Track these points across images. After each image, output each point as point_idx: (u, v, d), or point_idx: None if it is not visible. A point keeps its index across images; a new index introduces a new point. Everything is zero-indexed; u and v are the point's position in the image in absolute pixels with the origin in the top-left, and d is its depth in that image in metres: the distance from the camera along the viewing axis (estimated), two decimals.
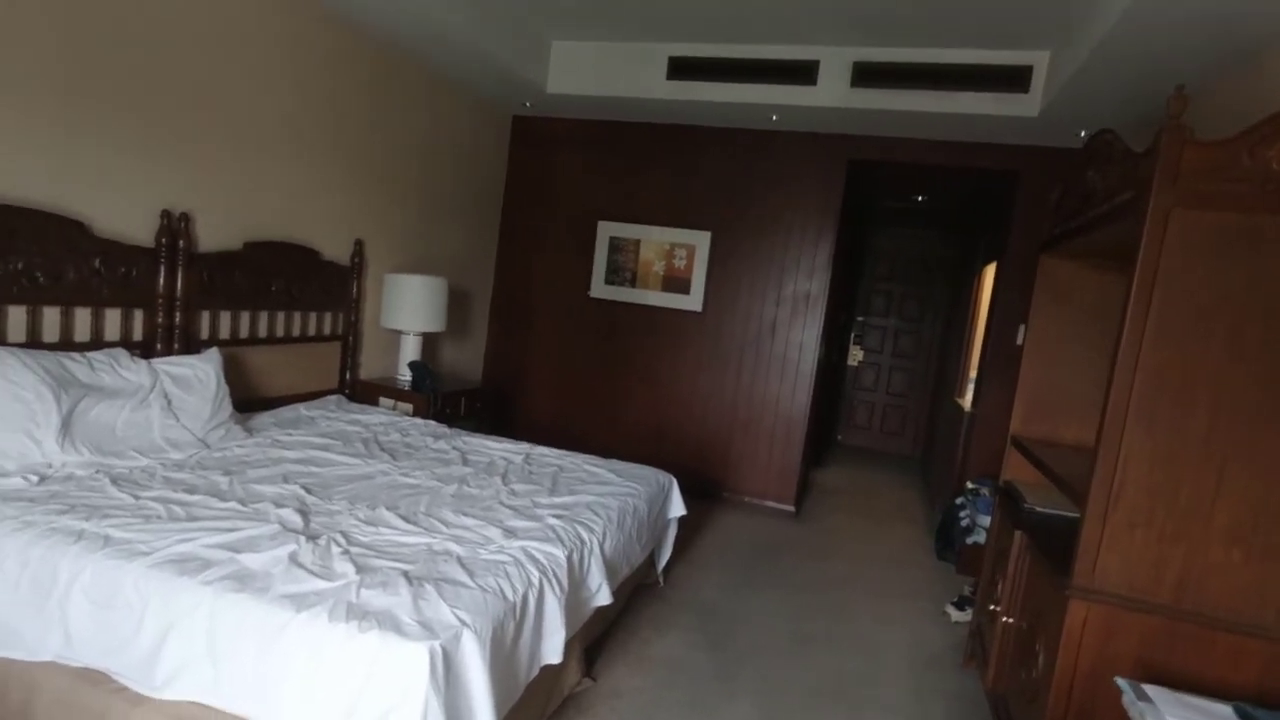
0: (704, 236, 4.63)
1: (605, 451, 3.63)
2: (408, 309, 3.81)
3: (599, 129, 4.85)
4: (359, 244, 3.74)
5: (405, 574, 1.76)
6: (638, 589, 3.22)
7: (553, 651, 1.97)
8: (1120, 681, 1.58)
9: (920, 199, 5.57)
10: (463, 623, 1.60)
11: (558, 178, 4.99)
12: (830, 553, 4.11)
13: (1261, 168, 1.61)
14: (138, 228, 2.66)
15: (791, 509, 4.64)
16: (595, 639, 2.70)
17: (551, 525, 2.26)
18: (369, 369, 3.99)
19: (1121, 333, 1.74)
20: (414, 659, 1.47)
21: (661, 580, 3.33)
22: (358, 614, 1.56)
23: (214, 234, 2.96)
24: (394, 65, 3.86)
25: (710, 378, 4.74)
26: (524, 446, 3.21)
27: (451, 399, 3.93)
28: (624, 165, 4.83)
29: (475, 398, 4.22)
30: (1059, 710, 1.84)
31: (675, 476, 3.25)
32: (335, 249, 3.63)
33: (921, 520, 4.99)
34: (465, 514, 2.26)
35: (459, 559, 1.90)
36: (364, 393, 3.81)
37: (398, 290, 3.81)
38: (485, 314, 5.20)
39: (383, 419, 3.32)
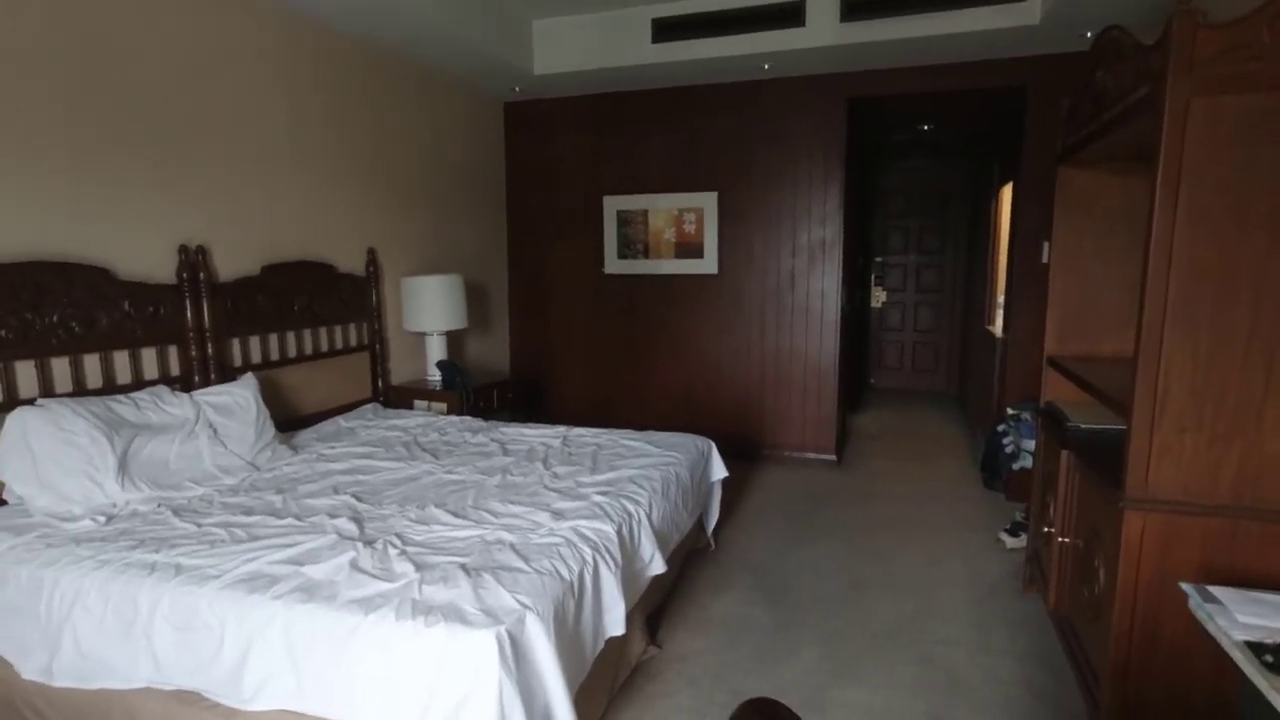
0: (711, 197, 4.58)
1: (640, 425, 3.66)
2: (428, 310, 3.85)
3: (592, 104, 4.80)
4: (372, 252, 3.77)
5: (463, 566, 1.81)
6: (690, 554, 3.26)
7: (615, 624, 2.02)
8: (1185, 586, 1.57)
9: (926, 128, 5.43)
10: (524, 606, 1.64)
11: (557, 159, 4.96)
12: (876, 496, 4.11)
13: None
14: (158, 266, 2.72)
15: (833, 458, 4.63)
16: (655, 607, 2.75)
17: (598, 502, 2.30)
18: (399, 374, 4.05)
19: (1150, 234, 1.69)
20: (482, 646, 1.52)
21: (713, 543, 3.36)
22: (423, 610, 1.61)
23: (232, 262, 3.02)
24: (383, 67, 3.85)
25: (735, 338, 4.73)
26: (560, 430, 3.25)
27: (483, 393, 3.98)
28: (621, 137, 4.78)
29: (506, 389, 4.26)
30: (1124, 624, 1.83)
31: (712, 440, 3.26)
32: (349, 261, 3.67)
33: (965, 453, 4.96)
34: (512, 502, 2.31)
35: (512, 546, 1.94)
36: (398, 398, 3.88)
37: (415, 293, 3.85)
38: (505, 305, 5.23)
39: (420, 421, 3.38)
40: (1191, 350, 1.70)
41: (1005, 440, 3.83)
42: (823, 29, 3.72)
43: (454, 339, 4.36)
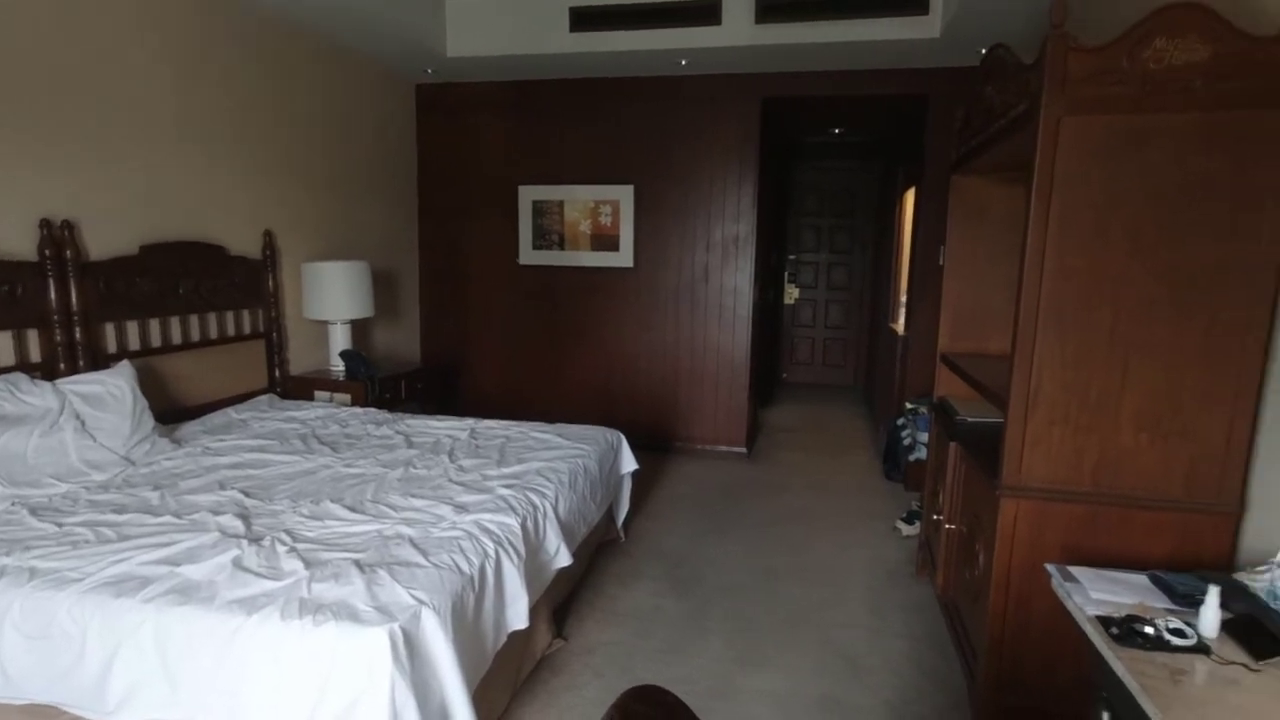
0: (627, 190, 4.59)
1: (555, 417, 3.63)
2: (330, 297, 3.68)
3: (508, 90, 4.70)
4: (269, 235, 3.56)
5: (356, 563, 1.74)
6: (600, 547, 3.27)
7: (518, 617, 2.00)
8: (1049, 567, 1.69)
9: (837, 131, 5.62)
10: (420, 602, 1.60)
11: (471, 145, 4.84)
12: (785, 488, 4.24)
13: (1140, 70, 1.67)
14: (16, 241, 2.47)
15: (744, 450, 4.74)
16: (563, 600, 2.74)
17: (503, 495, 2.26)
18: (300, 363, 3.85)
19: (1026, 242, 1.81)
20: (374, 644, 1.47)
21: (623, 535, 3.38)
22: (311, 608, 1.54)
23: (105, 240, 2.78)
24: (283, 40, 3.63)
25: (650, 332, 4.76)
26: (469, 422, 3.18)
27: (390, 384, 3.85)
28: (538, 126, 4.71)
29: (416, 379, 4.13)
30: (1000, 603, 1.96)
31: (626, 433, 3.27)
32: (244, 243, 3.45)
33: (870, 446, 5.18)
34: (414, 496, 2.24)
35: (411, 540, 1.89)
36: (297, 388, 3.69)
37: (317, 279, 3.67)
38: (416, 294, 5.07)
39: (320, 412, 3.23)
40: (1060, 349, 1.83)
41: (904, 433, 4.03)
42: (738, 29, 3.78)
43: (360, 328, 4.19)
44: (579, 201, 4.69)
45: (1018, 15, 3.23)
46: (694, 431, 4.78)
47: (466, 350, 5.09)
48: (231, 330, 3.37)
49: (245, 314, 3.46)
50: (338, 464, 2.54)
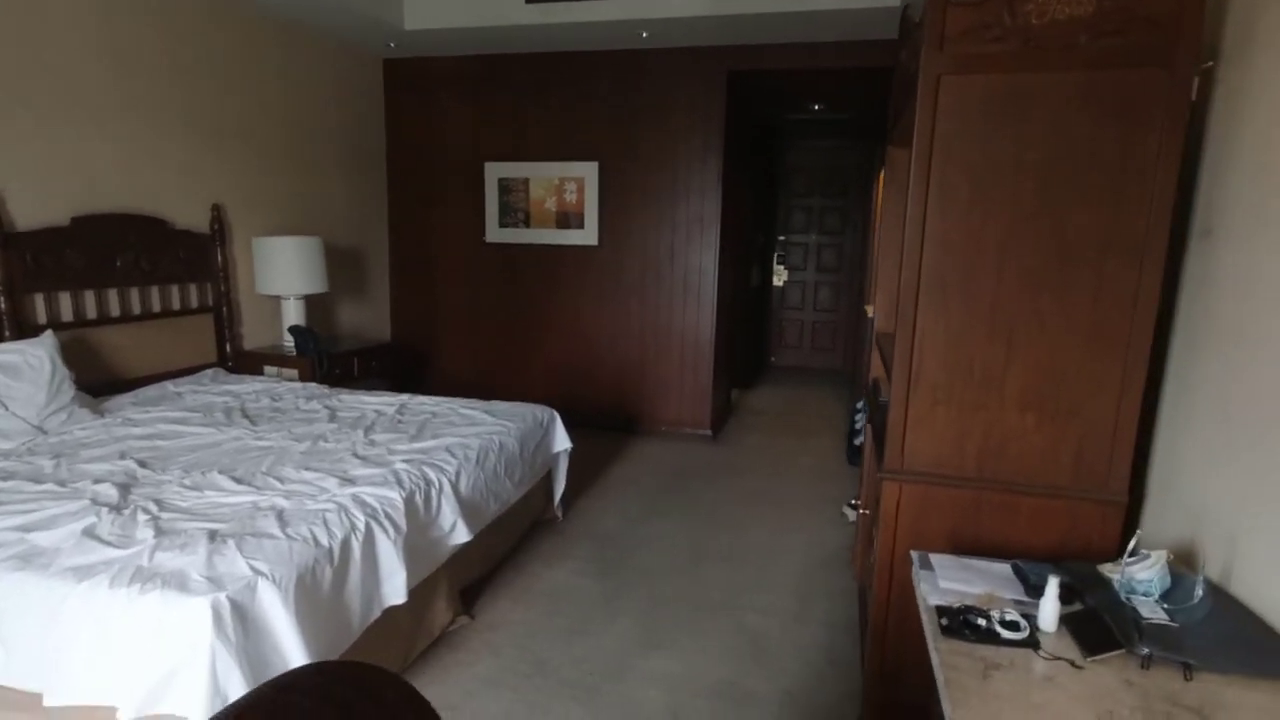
0: (591, 167, 4.51)
1: (521, 396, 3.60)
2: (282, 272, 3.68)
3: (473, 65, 4.64)
4: (218, 209, 3.57)
5: (211, 533, 1.73)
6: (535, 525, 3.24)
7: (395, 593, 1.98)
8: (912, 554, 1.62)
9: (817, 108, 5.46)
10: (258, 572, 1.58)
11: (439, 122, 4.80)
12: (743, 471, 4.17)
13: (1022, 25, 1.56)
14: None
15: (708, 433, 4.67)
16: (479, 578, 2.72)
17: (397, 470, 2.24)
18: (254, 338, 3.88)
19: (907, 212, 1.71)
20: (196, 613, 1.45)
21: (560, 514, 3.35)
22: (144, 577, 1.53)
23: (33, 210, 2.79)
24: (237, 9, 3.61)
25: (615, 311, 4.70)
26: (402, 398, 3.17)
27: (341, 359, 3.85)
28: (503, 102, 4.65)
29: (374, 356, 4.13)
30: (884, 590, 1.89)
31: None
32: (190, 217, 3.46)
33: (841, 430, 5.07)
34: (309, 469, 2.23)
35: (280, 513, 1.87)
36: (248, 363, 3.71)
37: (268, 254, 3.67)
38: (386, 271, 5.07)
39: (258, 387, 3.24)
40: (944, 324, 1.73)
41: (857, 416, 3.93)
42: None
43: (318, 303, 4.19)
44: (544, 179, 4.62)
45: None
46: (658, 413, 4.72)
47: (435, 329, 5.08)
48: (177, 304, 3.39)
49: (193, 288, 3.48)
50: (249, 436, 2.54)
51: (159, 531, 1.72)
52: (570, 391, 4.73)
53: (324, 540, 1.78)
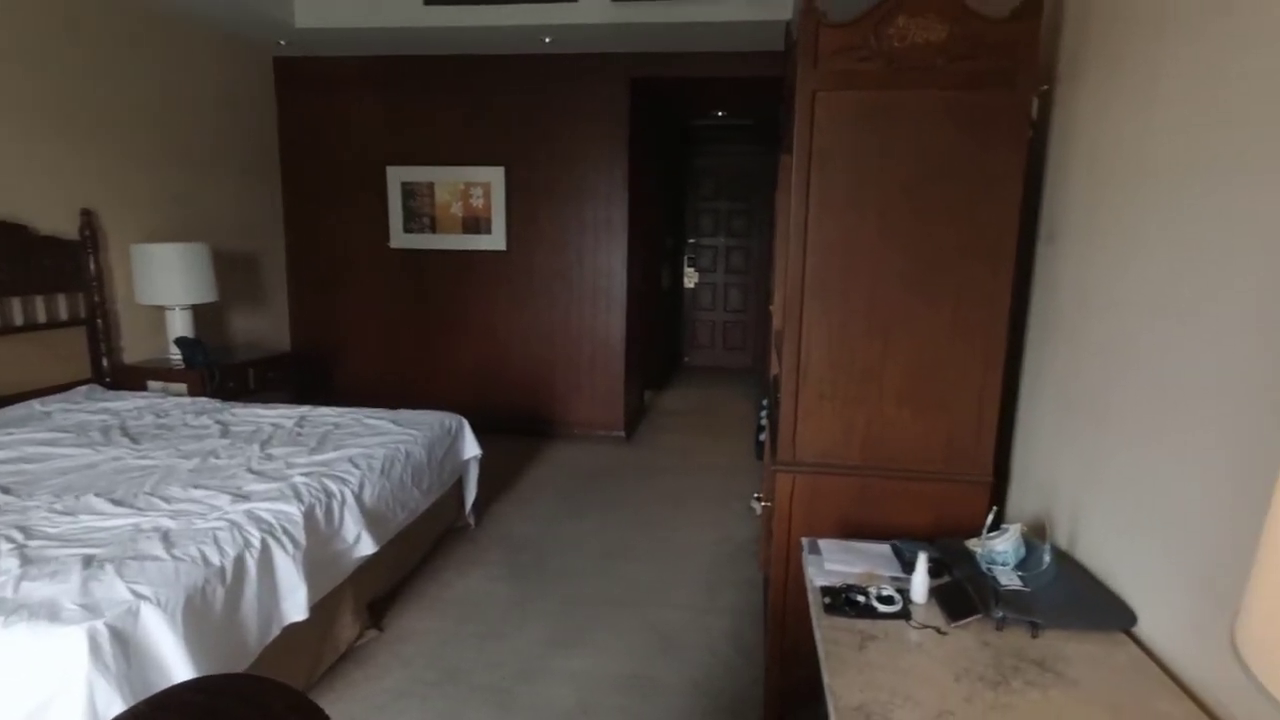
0: (498, 172, 4.49)
1: (432, 404, 3.52)
2: (164, 281, 3.47)
3: (373, 66, 4.53)
4: (88, 214, 3.33)
5: (88, 559, 1.63)
6: (447, 533, 3.21)
7: (296, 609, 1.92)
8: (803, 540, 1.72)
9: (720, 114, 5.64)
10: (140, 596, 1.51)
11: (337, 123, 4.65)
12: (656, 471, 4.25)
13: (887, 47, 1.69)
14: None
15: (622, 434, 4.74)
16: (388, 590, 2.67)
17: (295, 483, 2.17)
18: (135, 352, 3.64)
19: (790, 216, 1.82)
20: (70, 643, 1.38)
21: (472, 521, 3.32)
22: (7, 609, 1.43)
23: None
24: (108, 2, 3.38)
25: (526, 315, 4.69)
26: (302, 410, 3.06)
27: (236, 372, 3.67)
28: (405, 104, 4.56)
29: (272, 367, 3.96)
30: (780, 577, 1.99)
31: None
32: (56, 222, 3.21)
33: (752, 427, 5.25)
34: (198, 487, 2.13)
35: (165, 534, 1.79)
36: (129, 378, 3.48)
37: (148, 262, 3.46)
38: (283, 278, 4.86)
39: (141, 403, 3.05)
40: (827, 324, 1.85)
41: (762, 413, 4.09)
42: (595, 6, 3.72)
43: (210, 314, 3.98)
44: (449, 183, 4.56)
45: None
46: (571, 416, 4.75)
47: (339, 337, 4.91)
48: (43, 317, 3.15)
49: (61, 299, 3.23)
50: (130, 456, 2.40)
51: (25, 560, 1.61)
52: (482, 397, 4.68)
53: (215, 559, 1.71)
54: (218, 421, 2.85)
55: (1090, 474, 1.54)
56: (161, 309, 3.64)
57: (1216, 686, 1.10)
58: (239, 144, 4.35)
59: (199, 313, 3.74)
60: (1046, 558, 1.48)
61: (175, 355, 3.60)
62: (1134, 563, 1.36)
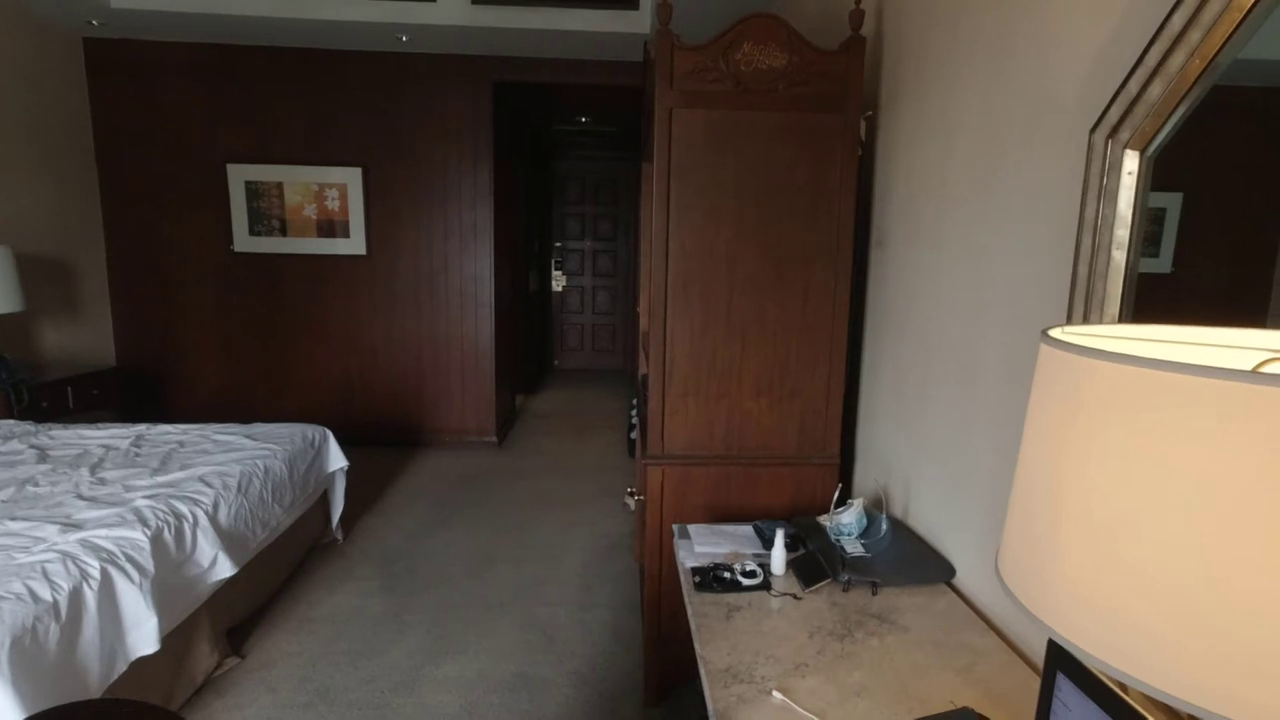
0: (355, 173, 4.31)
1: (287, 418, 3.33)
2: None
3: (206, 54, 4.19)
4: None
5: None
6: (313, 549, 3.06)
7: (144, 641, 1.78)
8: (674, 526, 1.84)
9: (584, 120, 5.74)
10: None
11: (164, 116, 4.26)
12: (529, 474, 4.27)
13: (734, 70, 1.85)
14: None
15: (494, 440, 4.70)
16: (250, 614, 2.52)
17: (138, 507, 2.01)
18: None
19: (653, 225, 1.94)
20: None
21: (340, 536, 3.19)
22: None
23: None
24: None
25: (390, 322, 4.54)
26: (138, 429, 2.81)
27: (50, 390, 3.28)
28: (247, 98, 4.26)
29: (95, 384, 3.57)
30: (654, 565, 2.11)
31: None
32: None
33: (623, 427, 5.39)
34: (15, 519, 1.91)
35: None
36: None
37: None
38: (104, 285, 4.38)
39: None
40: (689, 324, 1.99)
41: (633, 412, 4.23)
42: (453, 8, 3.69)
43: (13, 325, 3.52)
44: (301, 184, 4.32)
45: (719, 15, 3.45)
46: (441, 424, 4.65)
47: (177, 348, 4.50)
48: None
49: None
50: None
51: None
52: (346, 409, 4.48)
53: (45, 595, 1.56)
54: (32, 446, 2.55)
55: (918, 449, 1.77)
56: None
57: (1010, 619, 1.33)
58: (40, 135, 3.87)
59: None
60: (884, 526, 1.69)
61: None
62: (952, 523, 1.60)
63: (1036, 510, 0.60)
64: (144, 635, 1.78)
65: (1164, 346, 0.67)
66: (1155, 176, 1.04)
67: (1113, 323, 1.08)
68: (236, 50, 4.19)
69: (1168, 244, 1.06)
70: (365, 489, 3.77)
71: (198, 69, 4.20)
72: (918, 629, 1.36)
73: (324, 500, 3.05)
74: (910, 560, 1.62)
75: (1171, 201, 1.05)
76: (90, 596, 1.65)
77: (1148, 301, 1.06)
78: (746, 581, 1.54)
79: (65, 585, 1.60)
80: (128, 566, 1.77)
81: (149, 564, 1.83)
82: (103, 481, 2.23)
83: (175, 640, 1.93)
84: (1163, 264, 1.07)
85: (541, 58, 4.28)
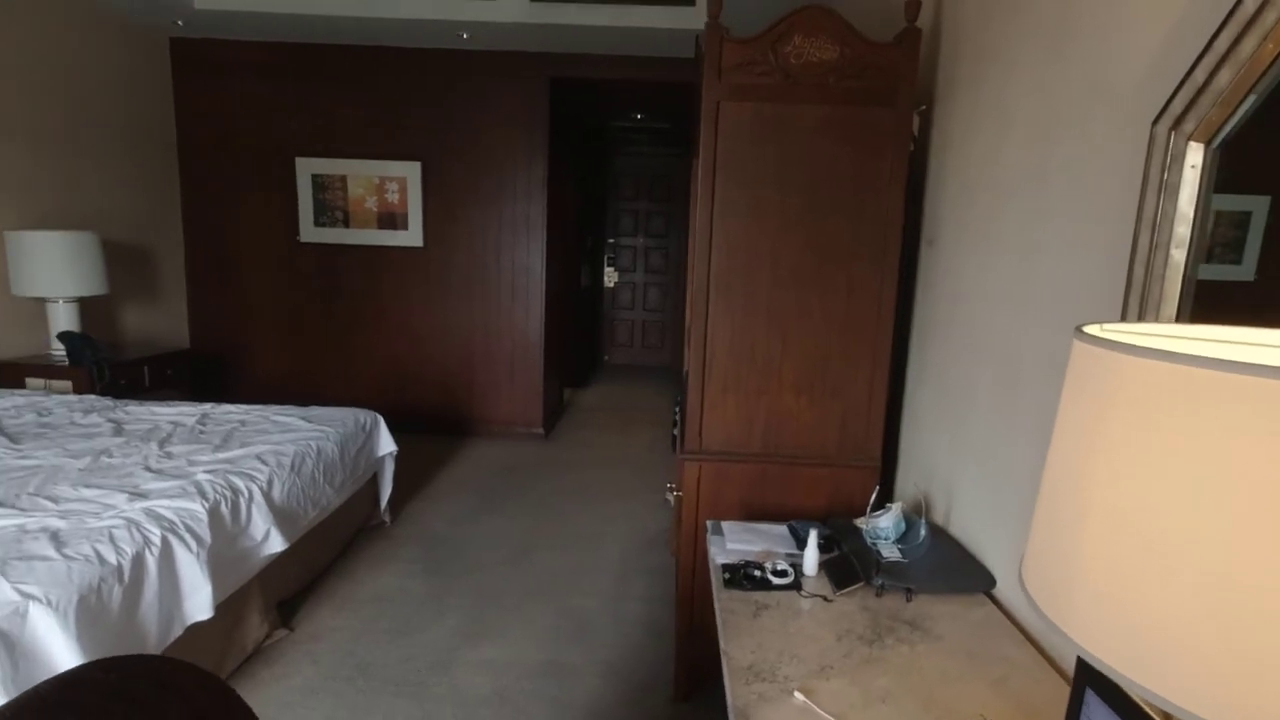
0: (414, 167, 4.43)
1: (344, 402, 3.45)
2: (46, 271, 3.26)
3: (280, 53, 4.37)
4: None
5: None
6: (361, 530, 3.16)
7: (199, 609, 1.88)
8: (709, 522, 1.83)
9: (639, 116, 5.75)
10: (28, 596, 1.45)
11: (240, 111, 4.46)
12: (573, 466, 4.31)
13: (783, 64, 1.82)
14: None
15: (540, 431, 4.77)
16: (300, 588, 2.62)
17: (199, 480, 2.11)
18: (11, 347, 3.40)
19: (696, 219, 1.93)
20: None
21: (387, 519, 3.28)
22: None
23: None
24: None
25: (443, 313, 4.65)
26: (204, 407, 2.95)
27: (128, 369, 3.49)
28: (316, 94, 4.43)
29: (169, 364, 3.78)
30: (688, 559, 2.10)
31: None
32: None
33: (669, 422, 5.38)
34: (90, 486, 2.04)
35: (55, 533, 1.71)
36: (4, 375, 3.25)
37: (26, 251, 3.24)
38: (181, 271, 4.62)
39: (19, 401, 2.86)
40: (730, 320, 1.97)
41: (677, 408, 4.22)
42: (513, 5, 3.75)
43: (99, 307, 3.76)
44: (363, 177, 4.47)
45: (771, 10, 3.42)
46: (490, 413, 4.74)
47: (245, 333, 4.72)
48: None
49: None
50: (9, 456, 2.26)
51: None
52: (398, 395, 4.61)
53: (111, 558, 1.66)
54: (110, 420, 2.71)
55: (961, 455, 1.71)
56: (42, 301, 3.41)
57: (1046, 631, 1.27)
58: (130, 129, 4.11)
59: (87, 306, 3.53)
60: (923, 532, 1.64)
61: (59, 351, 3.39)
62: (993, 531, 1.54)
63: (1062, 516, 0.58)
64: (199, 602, 1.88)
65: (1208, 345, 0.63)
66: (1238, 178, 0.98)
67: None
68: (307, 48, 4.35)
69: (1252, 250, 0.99)
70: (413, 474, 3.88)
71: (271, 66, 4.39)
72: (951, 638, 1.32)
73: (373, 483, 3.15)
74: (948, 568, 1.57)
75: (1258, 205, 0.98)
76: (151, 562, 1.75)
77: (1225, 309, 0.99)
78: (777, 580, 1.52)
79: (129, 550, 1.71)
80: (186, 536, 1.87)
81: (206, 534, 1.93)
82: (169, 455, 2.36)
83: (228, 610, 2.03)
84: (1246, 271, 0.99)
85: (597, 54, 4.31)
